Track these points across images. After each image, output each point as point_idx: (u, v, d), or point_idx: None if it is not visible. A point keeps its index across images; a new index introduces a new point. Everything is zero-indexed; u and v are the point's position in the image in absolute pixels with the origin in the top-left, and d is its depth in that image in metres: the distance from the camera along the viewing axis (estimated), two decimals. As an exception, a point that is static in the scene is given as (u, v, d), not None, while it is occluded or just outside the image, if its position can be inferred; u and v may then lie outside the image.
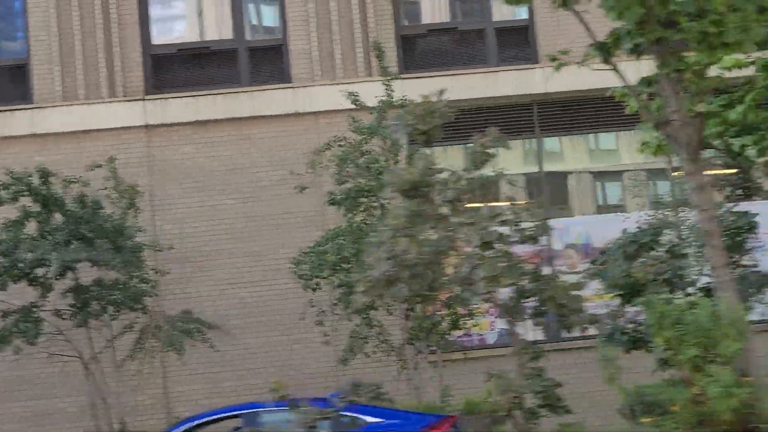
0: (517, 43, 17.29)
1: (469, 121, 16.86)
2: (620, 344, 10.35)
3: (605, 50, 9.32)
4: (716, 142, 10.74)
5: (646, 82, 9.38)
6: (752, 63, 10.46)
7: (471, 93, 16.42)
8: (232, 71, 17.03)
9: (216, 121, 16.50)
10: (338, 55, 16.71)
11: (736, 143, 10.46)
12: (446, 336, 13.90)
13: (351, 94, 14.64)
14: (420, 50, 17.41)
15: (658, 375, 10.54)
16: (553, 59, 9.81)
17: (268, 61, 17.12)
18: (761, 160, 10.92)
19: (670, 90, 9.13)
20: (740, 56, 10.55)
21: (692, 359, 8.06)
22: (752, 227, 10.41)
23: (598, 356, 9.19)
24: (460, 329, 14.26)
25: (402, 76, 16.06)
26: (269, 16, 17.72)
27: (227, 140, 16.48)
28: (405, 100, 14.44)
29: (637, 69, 10.35)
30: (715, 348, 7.90)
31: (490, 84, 16.93)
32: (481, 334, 16.31)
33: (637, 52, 9.17)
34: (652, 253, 10.25)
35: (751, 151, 10.37)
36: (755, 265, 11.29)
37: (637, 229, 10.67)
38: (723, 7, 8.42)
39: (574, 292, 9.74)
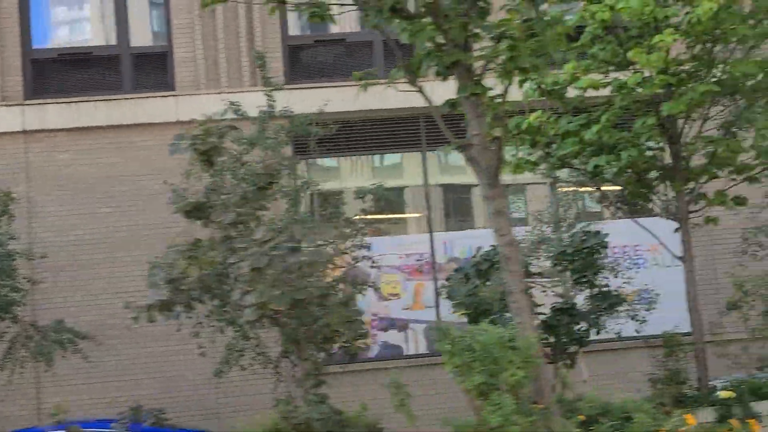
0: (405, 56, 17.28)
1: (356, 133, 16.94)
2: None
3: (411, 71, 9.29)
4: (574, 162, 10.86)
5: (449, 104, 9.42)
6: (609, 84, 10.61)
7: (358, 105, 16.38)
8: (114, 77, 16.79)
9: (97, 127, 16.23)
10: (223, 64, 16.58)
11: (591, 163, 10.57)
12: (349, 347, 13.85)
13: (232, 103, 14.52)
14: (306, 61, 17.35)
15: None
16: (360, 78, 9.76)
17: (152, 68, 16.92)
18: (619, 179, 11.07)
19: (471, 113, 9.19)
20: (596, 77, 10.72)
21: (478, 386, 7.99)
22: (603, 246, 10.49)
23: (386, 382, 9.09)
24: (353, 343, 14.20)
25: (287, 86, 15.97)
26: (155, 23, 17.49)
27: (108, 148, 16.22)
28: (287, 110, 14.41)
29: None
30: (500, 375, 7.88)
31: (377, 96, 16.89)
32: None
33: (440, 73, 9.21)
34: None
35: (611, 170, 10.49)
36: (606, 285, 11.42)
37: (491, 248, 10.69)
38: (519, 33, 8.55)
39: (355, 318, 9.78)
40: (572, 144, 10.57)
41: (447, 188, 17.77)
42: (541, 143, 10.90)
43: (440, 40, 9.24)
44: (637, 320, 14.14)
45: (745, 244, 15.07)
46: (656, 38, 9.80)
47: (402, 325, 16.90)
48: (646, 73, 10.18)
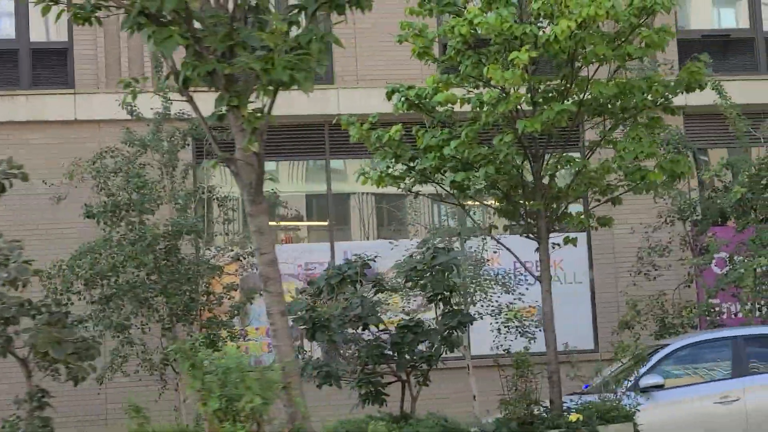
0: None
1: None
2: (311, 379, 10.20)
3: (181, 80, 8.81)
4: (436, 176, 10.78)
5: (216, 116, 9.16)
6: (468, 100, 10.58)
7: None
8: (11, 73, 16.39)
9: (-9, 123, 15.86)
10: (125, 64, 16.30)
11: (448, 178, 10.51)
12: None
13: (127, 104, 14.22)
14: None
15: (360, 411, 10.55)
16: (127, 85, 9.46)
17: (51, 65, 16.57)
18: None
19: (234, 126, 8.99)
20: (460, 91, 10.67)
21: (216, 413, 7.72)
22: (456, 265, 10.41)
23: (124, 405, 8.82)
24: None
25: (191, 90, 15.71)
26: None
27: (3, 144, 15.81)
28: (183, 113, 14.19)
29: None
30: (238, 402, 7.69)
31: (285, 102, 16.74)
32: (258, 357, 16.06)
33: (205, 83, 8.89)
34: (359, 287, 10.10)
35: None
36: (458, 303, 11.37)
37: (345, 261, 10.57)
38: (273, 44, 8.32)
39: (65, 340, 9.61)
40: (433, 159, 10.43)
41: (349, 197, 17.69)
42: (405, 157, 10.73)
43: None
44: (527, 337, 14.20)
45: (639, 263, 15.18)
46: (512, 55, 9.83)
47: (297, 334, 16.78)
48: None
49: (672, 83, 10.75)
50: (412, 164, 10.68)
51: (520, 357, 10.54)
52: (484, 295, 13.99)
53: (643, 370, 12.17)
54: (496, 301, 14.12)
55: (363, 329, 10.40)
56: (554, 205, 10.90)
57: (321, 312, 10.00)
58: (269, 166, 17.19)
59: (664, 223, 15.01)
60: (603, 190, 11.11)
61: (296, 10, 9.19)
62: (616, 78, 10.77)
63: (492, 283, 14.08)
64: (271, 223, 14.68)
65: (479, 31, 10.06)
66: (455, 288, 10.37)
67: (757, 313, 14.47)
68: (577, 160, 11.04)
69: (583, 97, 10.45)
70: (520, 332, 14.16)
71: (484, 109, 10.25)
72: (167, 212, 14.29)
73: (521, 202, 10.89)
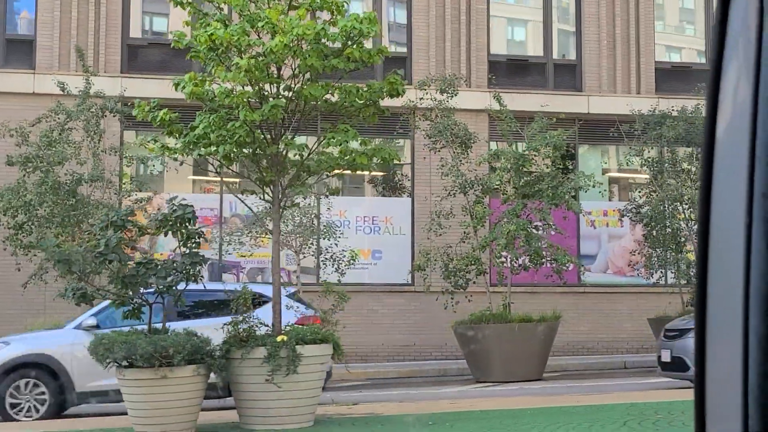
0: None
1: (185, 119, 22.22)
2: (70, 299, 11.85)
3: None
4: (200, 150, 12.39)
5: None
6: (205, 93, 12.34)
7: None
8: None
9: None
10: (73, 52, 21.59)
11: (195, 152, 12.43)
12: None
13: (60, 83, 19.59)
14: (143, 57, 22.61)
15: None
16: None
17: (20, 52, 22.03)
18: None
19: None
20: (214, 86, 12.32)
21: None
22: (192, 218, 12.08)
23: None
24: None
25: (123, 75, 21.31)
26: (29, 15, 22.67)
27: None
28: (100, 92, 19.50)
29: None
30: None
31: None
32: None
33: None
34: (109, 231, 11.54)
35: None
36: (196, 246, 12.35)
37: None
38: None
39: None
40: (191, 137, 12.26)
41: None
42: (176, 133, 12.72)
43: None
44: (340, 272, 19.52)
45: (432, 222, 20.23)
46: (235, 60, 11.88)
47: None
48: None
49: (375, 90, 12.72)
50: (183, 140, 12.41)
51: (245, 289, 12.80)
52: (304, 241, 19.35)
53: None
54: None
55: (108, 263, 11.85)
56: (286, 177, 12.83)
57: (64, 249, 12.41)
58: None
59: (449, 195, 20.03)
60: (329, 168, 13.04)
61: None
62: (339, 84, 12.67)
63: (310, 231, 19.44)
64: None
65: (216, 42, 11.87)
66: (193, 235, 12.13)
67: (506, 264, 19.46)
68: (299, 144, 13.00)
69: (295, 96, 12.36)
70: (336, 269, 19.46)
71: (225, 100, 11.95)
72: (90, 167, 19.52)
73: (261, 173, 12.86)
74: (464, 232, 19.84)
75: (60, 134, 18.71)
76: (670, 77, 24.66)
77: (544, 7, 24.62)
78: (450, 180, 20.02)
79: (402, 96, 13.17)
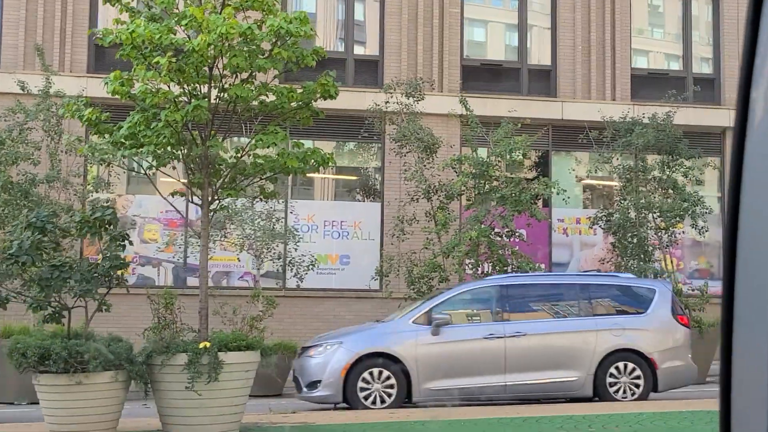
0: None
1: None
2: None
3: None
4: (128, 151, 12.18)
5: None
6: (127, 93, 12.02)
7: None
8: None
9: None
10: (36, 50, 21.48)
11: (120, 152, 12.24)
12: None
13: (20, 81, 19.40)
14: (108, 57, 22.35)
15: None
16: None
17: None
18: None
19: None
20: (144, 85, 12.00)
21: None
22: (113, 220, 11.86)
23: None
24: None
25: (88, 74, 21.08)
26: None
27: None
28: (61, 92, 19.32)
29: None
30: None
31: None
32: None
33: None
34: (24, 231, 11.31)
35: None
36: (119, 248, 12.18)
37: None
38: None
39: None
40: (119, 137, 12.11)
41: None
42: (105, 132, 12.50)
43: None
44: (298, 276, 19.32)
45: (396, 228, 20.00)
46: (156, 59, 11.64)
47: (156, 263, 22.04)
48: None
49: (309, 91, 12.47)
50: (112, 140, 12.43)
51: (167, 293, 12.37)
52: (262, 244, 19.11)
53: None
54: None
55: (21, 266, 11.42)
56: (215, 179, 12.54)
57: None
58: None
59: (412, 200, 19.79)
60: (259, 171, 12.75)
61: None
62: (274, 86, 12.54)
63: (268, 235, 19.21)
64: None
65: (137, 40, 11.61)
66: (117, 237, 12.02)
67: (470, 271, 19.21)
68: (224, 145, 12.92)
69: (222, 96, 12.14)
70: (294, 274, 19.25)
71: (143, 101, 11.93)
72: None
73: (189, 174, 12.65)
74: (427, 239, 19.57)
75: (19, 134, 18.53)
76: (647, 84, 24.35)
77: (519, 11, 24.35)
78: (413, 185, 19.79)
79: (335, 98, 12.87)
